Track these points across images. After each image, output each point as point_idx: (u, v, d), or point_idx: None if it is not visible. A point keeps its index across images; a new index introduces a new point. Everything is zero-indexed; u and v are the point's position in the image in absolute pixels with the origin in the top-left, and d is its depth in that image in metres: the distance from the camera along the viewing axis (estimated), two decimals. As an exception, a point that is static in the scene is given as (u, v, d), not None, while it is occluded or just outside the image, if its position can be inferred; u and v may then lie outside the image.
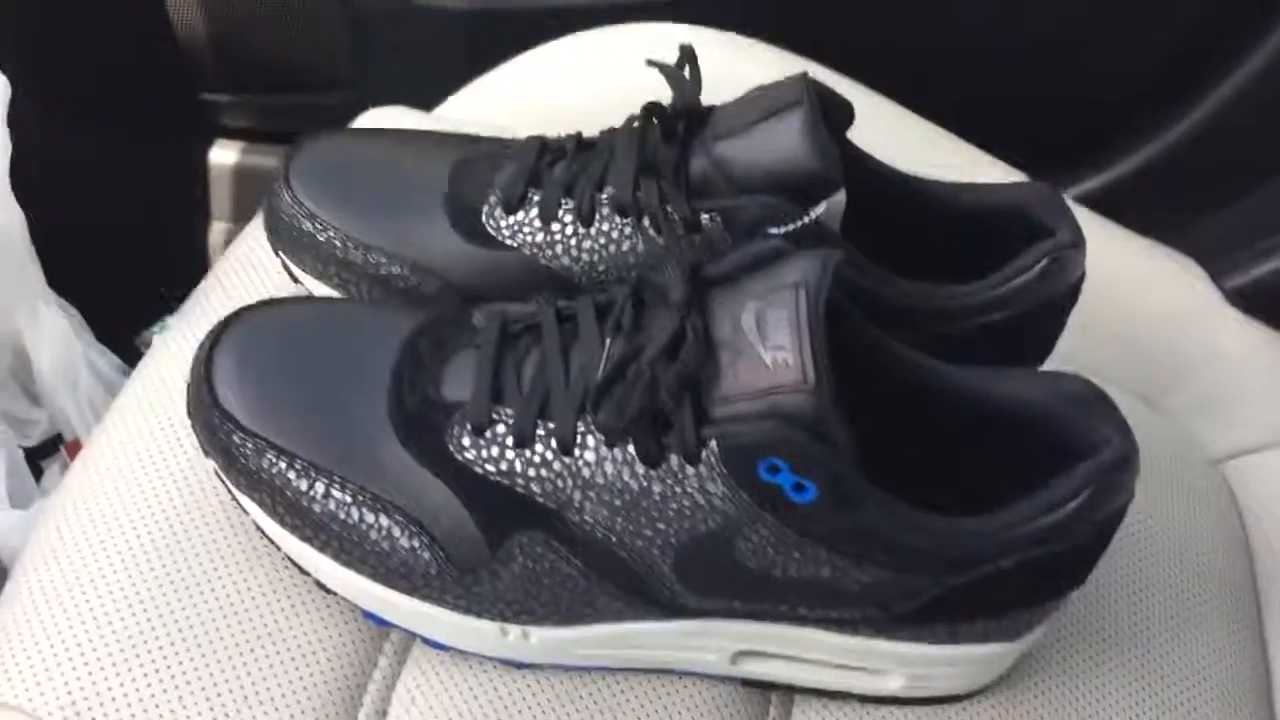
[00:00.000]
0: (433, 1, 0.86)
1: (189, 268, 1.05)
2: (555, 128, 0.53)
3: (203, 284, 0.56)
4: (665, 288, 0.40)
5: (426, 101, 0.70)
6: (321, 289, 0.49)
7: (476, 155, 0.50)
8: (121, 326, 0.86)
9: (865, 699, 0.45)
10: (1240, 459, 0.59)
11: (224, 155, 1.02)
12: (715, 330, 0.38)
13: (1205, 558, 0.54)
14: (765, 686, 0.46)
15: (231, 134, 1.02)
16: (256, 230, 0.57)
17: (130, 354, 0.81)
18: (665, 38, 0.66)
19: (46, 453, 0.60)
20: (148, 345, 0.88)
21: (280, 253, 0.50)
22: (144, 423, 0.48)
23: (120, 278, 0.93)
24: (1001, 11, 0.77)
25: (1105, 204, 0.65)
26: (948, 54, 0.76)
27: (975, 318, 0.45)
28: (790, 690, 0.46)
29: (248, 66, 0.94)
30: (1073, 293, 0.46)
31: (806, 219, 0.43)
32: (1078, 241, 0.45)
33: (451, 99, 0.67)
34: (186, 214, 1.03)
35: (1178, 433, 0.59)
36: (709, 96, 0.48)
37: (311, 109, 0.97)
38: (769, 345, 0.37)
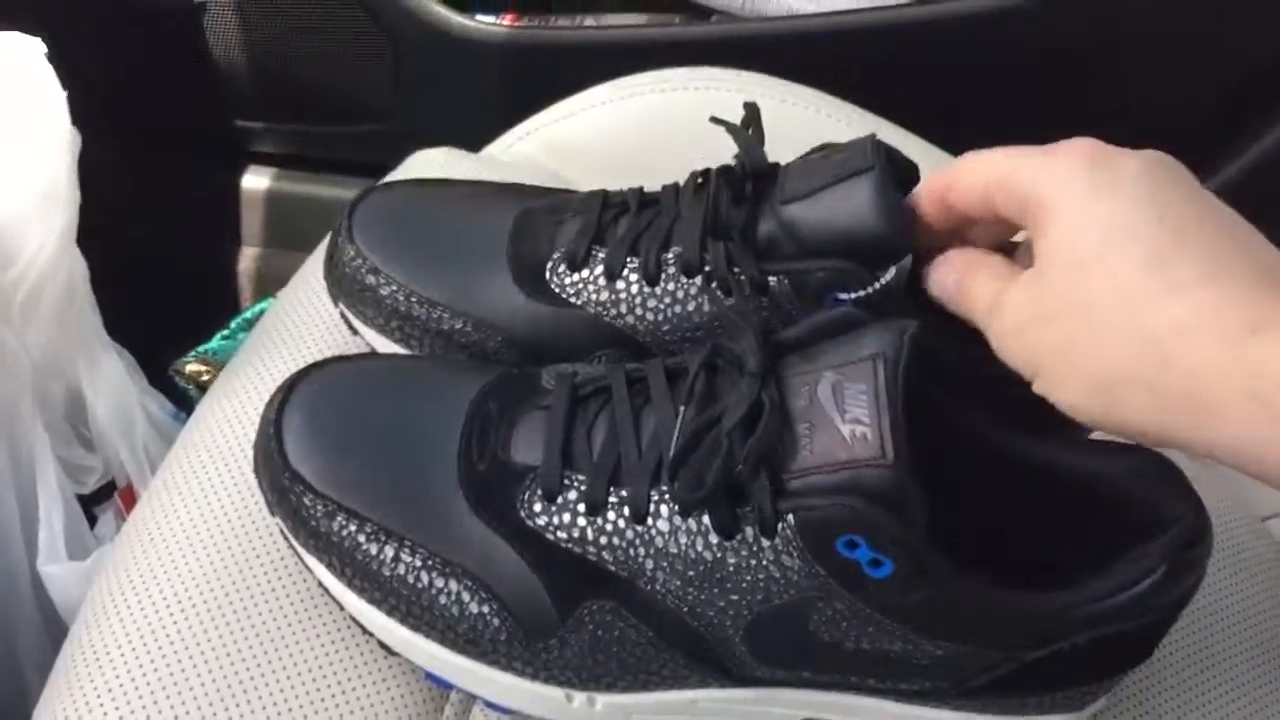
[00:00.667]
0: (472, 33, 0.86)
1: (221, 293, 1.06)
2: (607, 174, 0.54)
3: (256, 332, 0.56)
4: (740, 356, 0.39)
5: (466, 131, 0.70)
6: (382, 342, 0.49)
7: (538, 208, 0.50)
8: (154, 353, 0.86)
9: (925, 765, 0.45)
10: (1289, 516, 0.59)
11: (256, 181, 1.03)
12: (791, 401, 0.38)
13: (1256, 618, 0.54)
14: (827, 750, 0.45)
15: (263, 159, 1.03)
16: (309, 276, 0.57)
17: (164, 384, 0.81)
18: (714, 82, 0.66)
19: (100, 499, 0.60)
20: (182, 374, 0.88)
21: (340, 304, 0.50)
22: (202, 476, 0.48)
23: (153, 304, 0.93)
24: (1055, 62, 0.77)
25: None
26: (1000, 104, 0.76)
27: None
28: (851, 755, 0.46)
29: (285, 95, 0.94)
30: None
31: (877, 285, 0.43)
32: None
33: (500, 139, 0.67)
34: (219, 240, 1.03)
35: (1225, 489, 0.59)
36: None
37: (346, 137, 0.98)
38: (847, 418, 0.37)
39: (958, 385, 0.43)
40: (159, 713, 0.41)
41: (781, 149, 0.48)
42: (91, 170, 0.70)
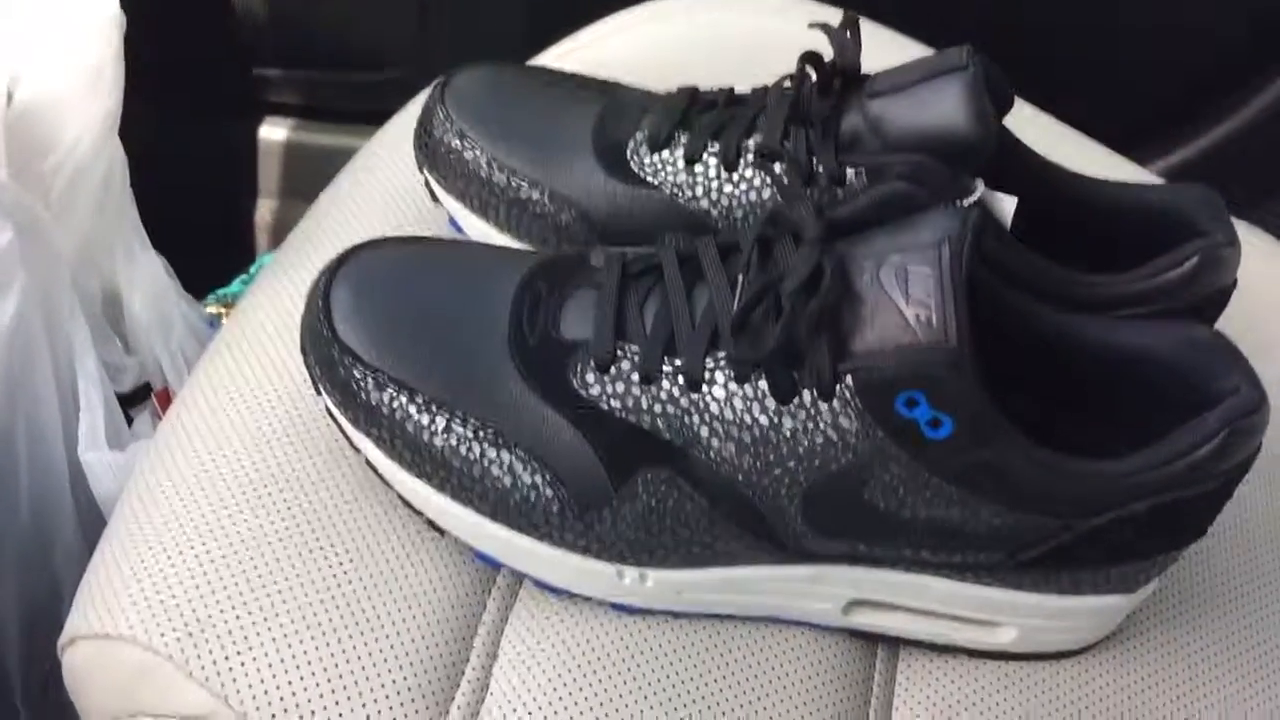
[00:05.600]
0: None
1: (237, 245, 1.05)
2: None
3: (307, 218, 0.56)
4: (798, 225, 0.39)
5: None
6: (460, 210, 0.50)
7: (627, 97, 0.51)
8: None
9: (973, 653, 0.45)
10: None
11: (273, 132, 1.02)
12: (851, 276, 0.38)
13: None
14: (872, 639, 0.45)
15: (280, 110, 1.02)
16: (362, 172, 0.57)
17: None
18: (755, 4, 0.66)
19: (136, 401, 0.60)
20: (201, 316, 0.88)
21: (424, 170, 0.51)
22: (244, 364, 0.48)
23: (173, 252, 0.93)
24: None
25: (1187, 180, 0.65)
26: (1027, 30, 0.75)
27: (1117, 309, 0.44)
28: (897, 643, 0.45)
29: (305, 42, 0.94)
30: (1221, 297, 0.45)
31: (963, 203, 0.43)
32: (1232, 242, 0.44)
33: (536, 59, 0.67)
34: (236, 191, 1.03)
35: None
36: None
37: (364, 86, 0.97)
38: (911, 300, 0.37)
39: (1007, 266, 0.43)
40: (212, 588, 0.41)
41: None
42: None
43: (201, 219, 1.02)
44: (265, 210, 1.05)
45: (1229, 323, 0.56)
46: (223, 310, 0.87)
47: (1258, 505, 0.53)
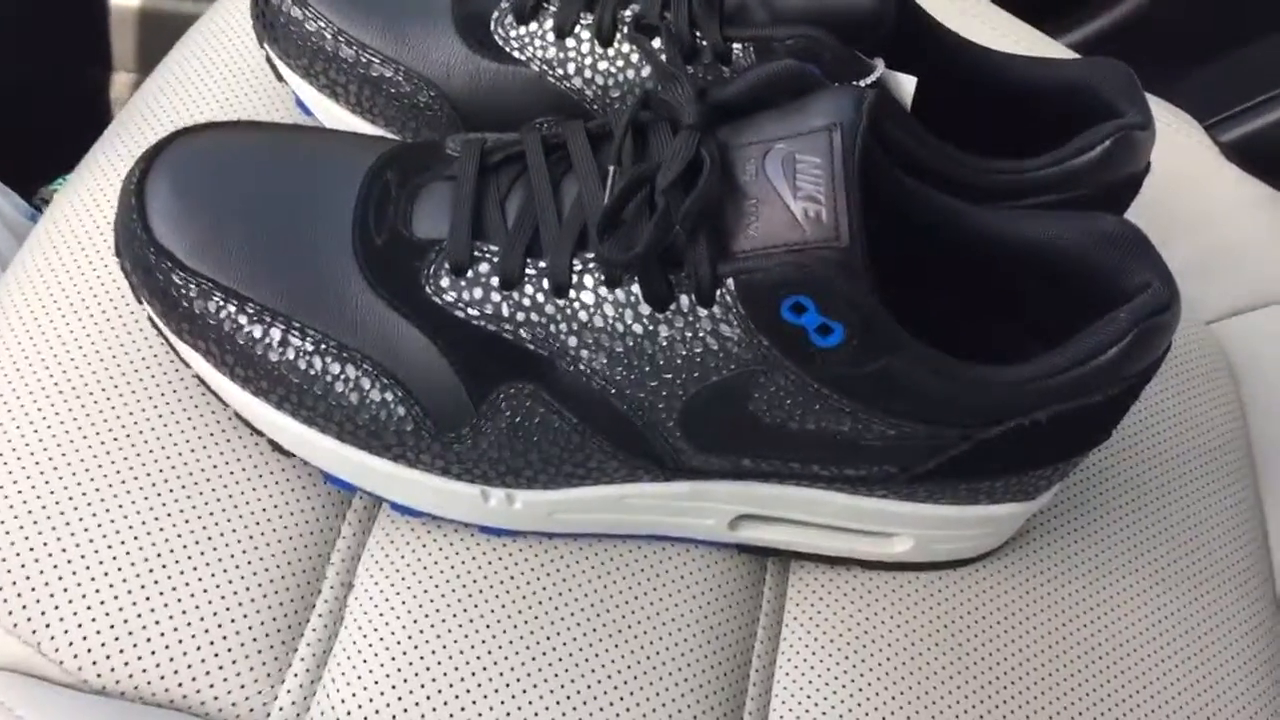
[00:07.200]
0: None
1: (88, 121, 0.97)
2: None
3: (135, 99, 0.50)
4: (674, 108, 0.35)
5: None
6: (307, 90, 0.45)
7: None
8: (17, 184, 0.78)
9: (867, 564, 0.42)
10: (1231, 319, 0.57)
11: (126, -2, 0.93)
12: (735, 173, 0.34)
13: (1199, 417, 0.52)
14: (762, 552, 0.42)
15: (135, -27, 0.93)
16: (200, 38, 0.51)
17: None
18: None
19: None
20: (48, 203, 0.81)
21: (265, 44, 0.45)
22: (61, 265, 0.42)
23: (14, 131, 0.85)
24: None
25: (1096, 54, 0.61)
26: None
27: (1023, 197, 0.41)
28: (788, 556, 0.43)
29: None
30: (1133, 183, 0.42)
31: (860, 84, 0.39)
32: (1147, 124, 0.41)
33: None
34: (86, 62, 0.94)
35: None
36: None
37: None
38: (799, 194, 0.33)
39: (906, 152, 0.39)
40: (6, 535, 0.36)
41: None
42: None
43: (47, 96, 0.93)
44: (122, 85, 0.97)
45: (1137, 204, 0.54)
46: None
47: (1164, 404, 0.51)
